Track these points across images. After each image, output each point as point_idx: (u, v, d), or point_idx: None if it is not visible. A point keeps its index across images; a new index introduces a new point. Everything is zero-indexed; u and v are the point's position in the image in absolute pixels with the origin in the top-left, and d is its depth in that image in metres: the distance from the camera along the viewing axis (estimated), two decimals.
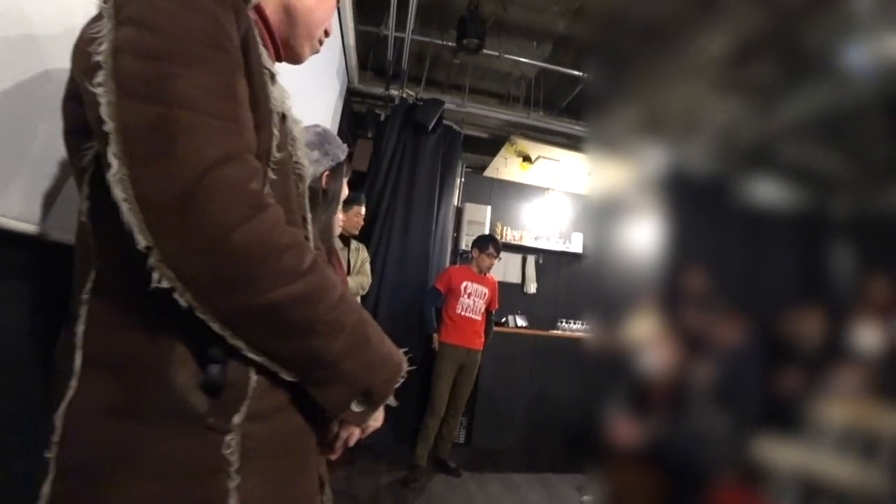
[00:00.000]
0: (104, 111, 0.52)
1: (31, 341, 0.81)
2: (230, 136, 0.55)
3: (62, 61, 0.80)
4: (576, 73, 4.43)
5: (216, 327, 0.55)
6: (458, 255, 4.87)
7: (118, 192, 0.51)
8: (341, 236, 2.87)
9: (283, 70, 0.87)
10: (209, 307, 0.54)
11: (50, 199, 0.85)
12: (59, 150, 0.85)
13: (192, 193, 0.51)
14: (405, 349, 0.71)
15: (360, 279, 3.06)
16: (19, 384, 0.79)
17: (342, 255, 2.88)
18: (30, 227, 0.79)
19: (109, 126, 0.51)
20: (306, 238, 0.74)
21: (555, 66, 4.43)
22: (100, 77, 0.53)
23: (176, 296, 0.53)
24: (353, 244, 3.08)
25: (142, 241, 0.51)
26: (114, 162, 0.51)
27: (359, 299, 3.02)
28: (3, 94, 0.73)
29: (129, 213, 0.51)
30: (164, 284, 0.52)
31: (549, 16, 4.00)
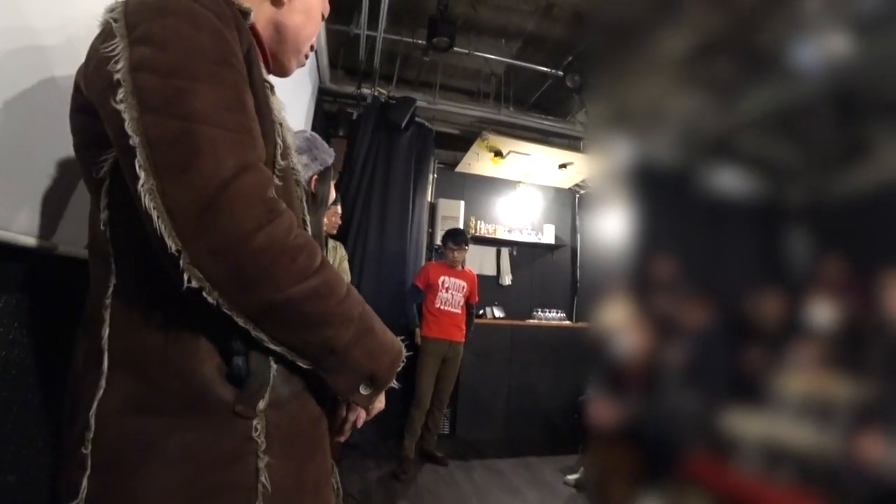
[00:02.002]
0: (129, 126, 0.55)
1: (34, 354, 0.82)
2: (245, 148, 0.59)
3: (64, 73, 0.79)
4: (544, 69, 4.47)
5: (240, 322, 0.59)
6: (434, 251, 4.88)
7: (147, 202, 0.55)
8: None
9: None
10: (235, 304, 0.58)
11: (56, 213, 0.85)
12: (64, 164, 0.85)
13: (215, 202, 0.55)
14: (402, 337, 0.77)
15: None
16: (21, 397, 0.80)
17: None
18: (33, 241, 0.79)
19: (135, 140, 0.55)
20: None
21: (524, 62, 4.47)
22: (121, 94, 0.56)
23: (205, 294, 0.57)
24: (331, 243, 3.06)
25: (172, 246, 0.55)
26: (141, 174, 0.55)
27: None
28: (7, 108, 0.73)
29: (158, 221, 0.54)
30: (194, 285, 0.56)
31: (518, 15, 4.02)
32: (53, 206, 0.84)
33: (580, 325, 5.14)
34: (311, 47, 0.92)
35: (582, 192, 5.64)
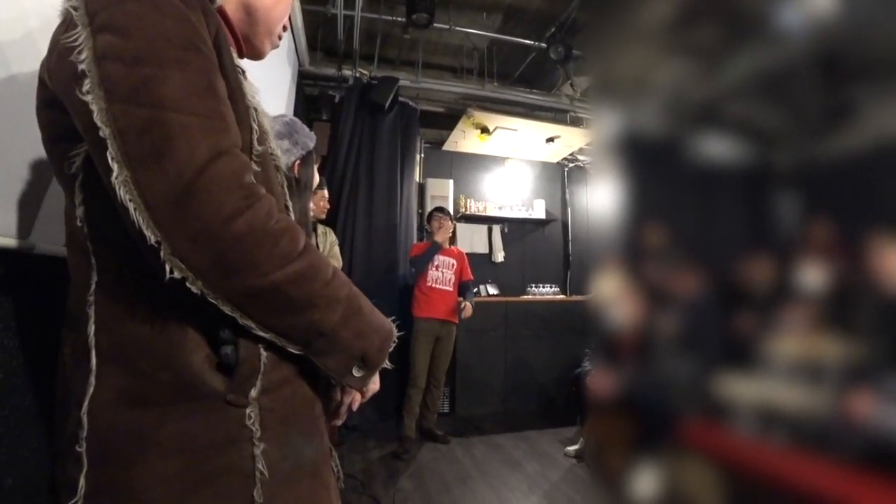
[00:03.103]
0: (98, 117, 0.54)
1: (20, 356, 0.81)
2: (218, 134, 0.58)
3: (26, 68, 0.77)
4: (527, 42, 4.41)
5: (226, 310, 0.59)
6: (425, 231, 4.88)
7: (123, 194, 0.54)
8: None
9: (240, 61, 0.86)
10: (219, 292, 0.58)
11: (31, 211, 0.83)
12: (36, 161, 0.83)
13: (191, 190, 0.54)
14: (393, 317, 0.77)
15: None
16: (10, 400, 0.79)
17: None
18: (11, 242, 0.78)
19: (105, 132, 0.54)
20: None
21: (506, 36, 4.41)
22: (87, 85, 0.55)
23: (188, 284, 0.57)
24: (321, 229, 3.05)
25: (151, 237, 0.54)
26: (114, 166, 0.54)
27: None
28: None
29: (135, 213, 0.54)
30: (177, 275, 0.56)
31: None
32: (28, 205, 0.83)
33: (574, 298, 5.18)
34: (284, 27, 0.90)
35: (571, 165, 5.63)
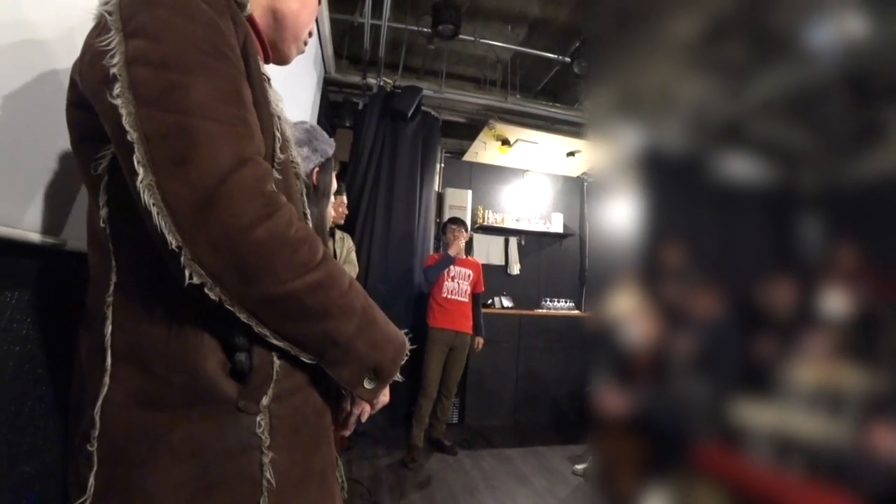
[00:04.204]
0: (126, 121, 0.54)
1: (46, 349, 0.83)
2: (242, 141, 0.59)
3: (65, 65, 0.79)
4: (551, 55, 4.42)
5: (243, 317, 0.59)
6: (440, 241, 4.89)
7: (147, 198, 0.54)
8: None
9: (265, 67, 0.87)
10: (236, 299, 0.58)
11: (64, 209, 0.85)
12: (69, 159, 0.85)
13: (213, 196, 0.55)
14: (405, 330, 0.76)
15: (347, 269, 3.04)
16: (34, 390, 0.81)
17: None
18: (43, 238, 0.80)
19: (132, 135, 0.54)
20: None
21: (530, 49, 4.42)
22: (117, 89, 0.55)
23: (206, 290, 0.57)
24: (338, 234, 3.07)
25: (172, 242, 0.55)
26: (140, 170, 0.54)
27: None
28: (9, 104, 0.73)
29: (158, 217, 0.54)
30: (196, 280, 0.56)
31: (522, 0, 3.98)
32: (61, 203, 0.85)
33: (588, 314, 5.12)
34: (310, 33, 0.91)
35: (591, 180, 5.60)
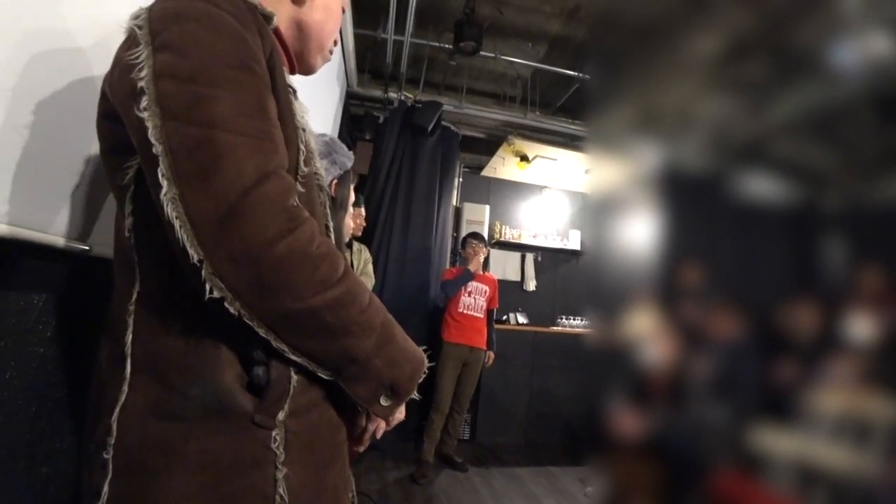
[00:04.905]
0: (152, 134, 0.55)
1: (69, 352, 0.84)
2: (266, 154, 0.59)
3: (98, 72, 0.81)
4: (571, 72, 4.43)
5: (261, 332, 0.59)
6: (458, 255, 4.89)
7: (170, 211, 0.55)
8: None
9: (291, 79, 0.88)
10: (256, 314, 0.58)
11: (91, 215, 0.87)
12: (100, 166, 0.86)
13: (236, 210, 0.55)
14: (423, 347, 0.75)
15: (363, 280, 3.07)
16: (55, 392, 0.82)
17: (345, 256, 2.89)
18: (71, 244, 0.81)
19: (158, 148, 0.55)
20: None
21: (550, 66, 4.44)
22: (144, 102, 0.56)
23: (226, 304, 0.57)
24: (356, 246, 3.09)
25: (194, 255, 0.55)
26: (164, 183, 0.55)
27: None
28: (42, 109, 0.74)
29: (180, 230, 0.54)
30: (216, 294, 0.56)
31: (543, 17, 4.01)
32: (89, 209, 0.86)
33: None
34: (335, 42, 0.92)
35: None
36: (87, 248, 0.84)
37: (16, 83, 0.68)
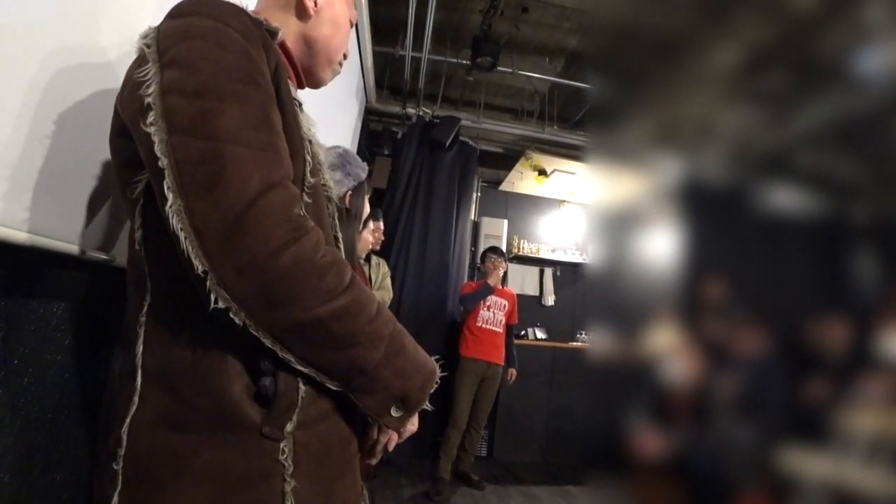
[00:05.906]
0: (158, 149, 0.56)
1: (86, 361, 0.85)
2: (271, 166, 0.60)
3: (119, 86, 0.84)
4: (588, 87, 4.43)
5: (267, 342, 0.59)
6: (476, 269, 4.87)
7: (175, 223, 0.55)
8: None
9: (308, 93, 0.89)
10: (261, 324, 0.58)
11: (117, 227, 0.89)
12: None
13: (241, 221, 0.55)
14: (436, 356, 0.74)
15: (381, 294, 3.08)
16: (71, 400, 0.83)
17: (363, 270, 2.91)
18: (87, 252, 0.83)
19: (164, 162, 0.56)
20: None
21: (567, 80, 4.45)
22: (151, 117, 0.57)
23: (231, 315, 0.57)
24: (374, 259, 3.10)
25: (199, 266, 0.55)
26: (169, 195, 0.56)
27: None
28: (69, 122, 0.76)
29: (185, 242, 0.55)
30: (221, 305, 0.56)
31: (560, 32, 4.02)
32: (113, 220, 0.88)
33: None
34: (344, 55, 0.92)
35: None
36: (108, 258, 0.86)
37: (41, 96, 0.70)
